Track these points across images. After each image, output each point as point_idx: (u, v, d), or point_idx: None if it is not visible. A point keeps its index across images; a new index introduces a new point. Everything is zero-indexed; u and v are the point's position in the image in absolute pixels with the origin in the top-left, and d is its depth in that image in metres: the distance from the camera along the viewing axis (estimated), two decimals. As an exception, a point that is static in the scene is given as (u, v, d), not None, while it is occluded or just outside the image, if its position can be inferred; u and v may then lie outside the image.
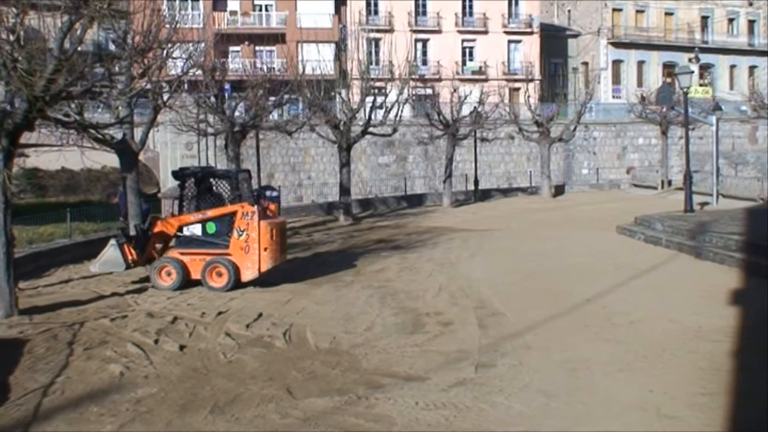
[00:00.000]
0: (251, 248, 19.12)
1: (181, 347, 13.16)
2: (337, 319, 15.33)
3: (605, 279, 18.88)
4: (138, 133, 23.93)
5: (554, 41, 75.87)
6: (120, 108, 21.89)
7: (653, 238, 25.25)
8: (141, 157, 26.81)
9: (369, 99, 39.38)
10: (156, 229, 19.86)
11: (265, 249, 19.23)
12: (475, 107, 49.91)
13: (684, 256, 22.24)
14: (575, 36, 78.53)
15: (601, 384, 10.61)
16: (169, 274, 19.21)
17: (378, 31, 65.43)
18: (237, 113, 33.42)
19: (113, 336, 13.99)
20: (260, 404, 10.05)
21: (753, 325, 13.73)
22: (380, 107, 40.27)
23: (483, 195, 51.57)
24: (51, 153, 51.47)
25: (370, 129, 39.14)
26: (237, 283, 19.04)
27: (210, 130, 33.83)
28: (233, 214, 19.36)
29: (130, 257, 19.53)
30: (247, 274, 19.19)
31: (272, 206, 21.34)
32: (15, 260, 16.23)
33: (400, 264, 22.83)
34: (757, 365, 11.35)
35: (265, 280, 19.51)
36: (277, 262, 19.94)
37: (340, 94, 43.51)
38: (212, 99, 31.43)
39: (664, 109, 53.76)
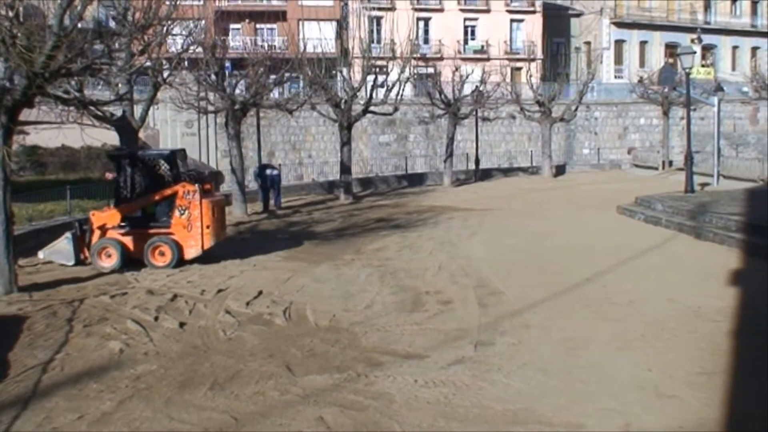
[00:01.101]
0: (194, 226, 19.33)
1: (181, 324, 13.17)
2: (336, 297, 15.34)
3: (605, 258, 18.87)
4: (138, 110, 23.87)
5: (557, 20, 75.54)
6: (120, 85, 21.83)
7: (653, 219, 25.24)
8: (141, 134, 26.83)
9: (370, 78, 39.28)
10: (97, 225, 19.58)
11: (208, 226, 19.44)
12: (476, 86, 49.82)
13: (684, 236, 22.24)
14: (578, 15, 78.18)
15: (600, 363, 10.61)
16: (109, 255, 19.15)
17: (379, 9, 65.19)
18: (237, 91, 33.29)
19: (113, 313, 14.01)
20: (260, 381, 10.06)
21: (752, 305, 13.74)
22: (381, 86, 40.16)
23: (484, 174, 51.52)
24: (51, 130, 51.34)
25: (371, 108, 39.06)
26: (180, 261, 19.17)
27: (210, 107, 33.73)
28: (174, 194, 19.43)
29: (82, 254, 19.46)
30: (191, 252, 19.41)
31: (209, 185, 21.28)
32: (15, 237, 16.23)
33: (400, 243, 22.83)
34: (756, 345, 11.36)
35: (208, 257, 19.65)
36: (219, 238, 20.16)
37: (341, 72, 43.43)
38: (212, 77, 31.29)
39: (666, 90, 53.61)
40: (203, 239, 19.41)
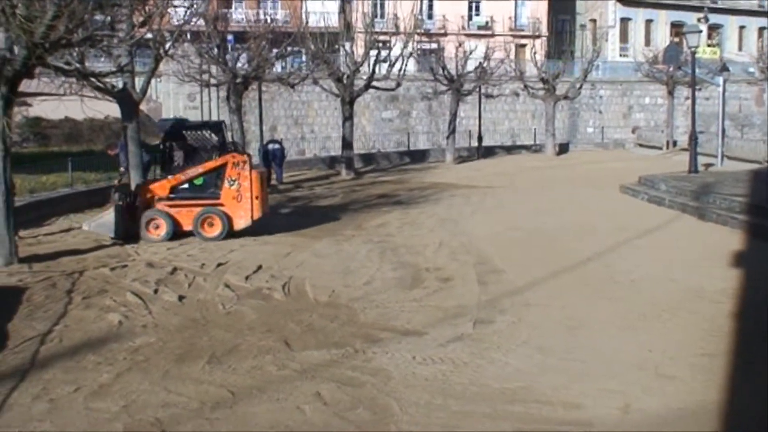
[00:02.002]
0: (243, 197, 19.39)
1: (180, 298, 13.15)
2: (336, 273, 15.31)
3: (607, 238, 18.83)
4: (139, 82, 23.74)
5: (562, -3, 75.21)
6: (121, 57, 21.69)
7: (656, 198, 25.18)
8: (143, 107, 26.71)
9: (373, 52, 39.12)
10: (144, 196, 19.59)
11: (257, 197, 19.50)
12: (480, 63, 49.60)
13: (687, 216, 22.18)
14: (583, -7, 77.82)
15: (600, 342, 10.57)
16: (157, 227, 19.21)
17: (384, -17, 64.87)
18: (239, 64, 33.17)
19: (112, 285, 14.00)
20: (257, 355, 10.03)
21: (755, 286, 13.69)
22: (384, 61, 40.01)
23: (486, 152, 51.40)
24: (54, 102, 51.26)
25: (374, 83, 38.90)
26: (230, 232, 19.19)
27: (212, 81, 33.62)
28: (224, 164, 19.47)
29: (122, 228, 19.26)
30: (240, 223, 19.48)
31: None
32: (15, 209, 16.22)
33: (401, 219, 22.80)
34: (758, 327, 11.31)
35: (258, 230, 19.69)
36: (264, 210, 20.20)
37: (344, 46, 43.20)
38: (215, 49, 31.19)
39: (671, 69, 53.38)
40: (253, 210, 19.52)
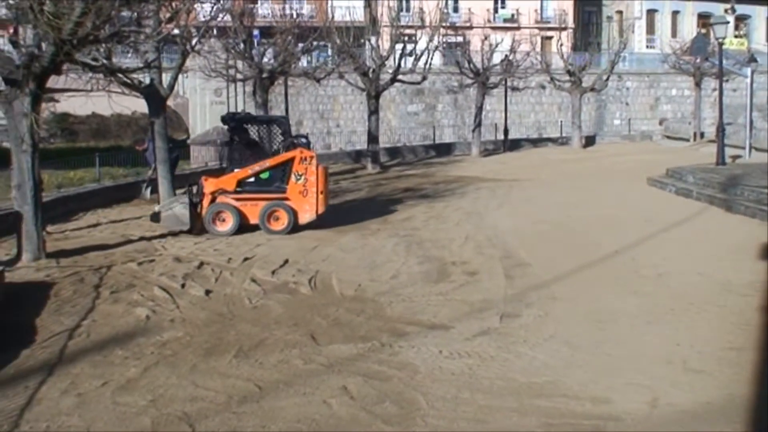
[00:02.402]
0: (309, 192, 19.67)
1: (207, 292, 13.20)
2: (362, 267, 15.32)
3: (634, 231, 18.70)
4: (166, 78, 23.86)
5: (588, -11, 74.79)
6: (148, 53, 21.81)
7: (684, 191, 25.00)
8: (170, 102, 26.84)
9: (399, 46, 39.07)
10: (211, 190, 19.71)
11: (322, 192, 19.82)
12: (506, 56, 49.44)
13: (715, 209, 22.00)
14: (610, -16, 77.35)
15: (628, 336, 10.52)
16: (223, 220, 19.45)
17: (409, -23, 64.75)
18: (265, 59, 33.26)
19: (140, 280, 14.08)
20: (284, 349, 10.05)
21: (783, 279, 13.56)
22: (410, 55, 39.98)
23: (512, 145, 51.24)
24: (81, 98, 51.61)
25: (400, 77, 38.88)
26: (295, 226, 19.47)
27: (238, 76, 33.75)
28: (291, 159, 19.72)
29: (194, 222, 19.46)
30: (305, 217, 19.77)
31: None
32: (43, 204, 16.35)
33: (427, 213, 22.77)
34: (787, 320, 11.21)
35: (317, 224, 19.95)
36: (326, 204, 20.50)
37: (369, 41, 43.21)
38: (241, 45, 31.28)
39: (698, 60, 52.92)
40: (318, 205, 19.79)
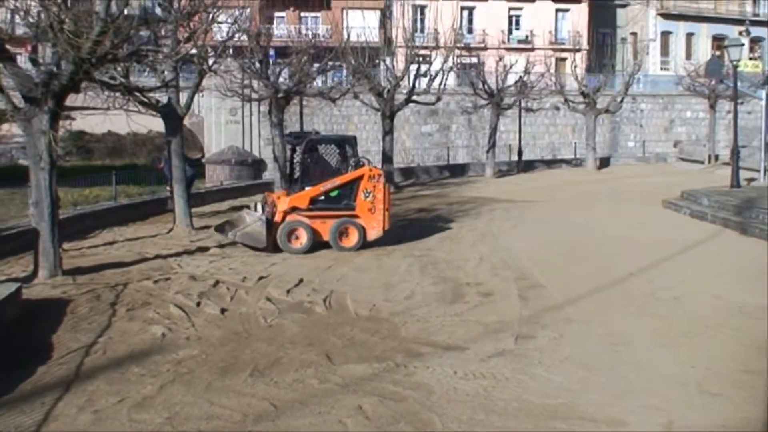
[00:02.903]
0: (377, 209, 20.04)
1: (223, 310, 13.24)
2: (377, 287, 15.34)
3: (649, 253, 18.69)
4: (183, 97, 24.00)
5: (603, 11, 74.72)
6: (165, 72, 21.96)
7: (699, 213, 24.96)
8: (186, 121, 26.93)
9: (413, 67, 39.17)
10: (286, 207, 19.86)
11: (387, 209, 20.22)
12: (520, 77, 49.48)
13: (729, 231, 21.97)
14: (624, 6, 77.29)
15: (643, 358, 10.51)
16: (297, 237, 19.66)
17: (424, -2, 64.98)
18: (281, 79, 33.34)
19: (156, 298, 14.12)
20: (299, 369, 10.08)
21: (799, 303, 13.51)
22: (424, 75, 40.06)
23: (526, 166, 51.18)
24: (97, 116, 51.89)
25: (414, 97, 38.96)
26: (364, 243, 19.88)
27: (254, 95, 33.80)
28: (360, 177, 20.09)
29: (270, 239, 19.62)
30: (373, 234, 20.12)
31: None
32: (60, 221, 16.40)
33: (441, 233, 22.76)
34: (803, 344, 11.17)
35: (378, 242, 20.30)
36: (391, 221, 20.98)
37: (384, 61, 43.34)
38: (257, 64, 31.37)
39: (713, 83, 52.90)
40: (384, 221, 20.18)
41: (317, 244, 19.71)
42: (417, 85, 39.07)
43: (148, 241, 21.27)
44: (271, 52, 36.45)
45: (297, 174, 20.86)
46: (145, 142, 70.60)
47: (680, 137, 62.24)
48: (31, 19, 16.10)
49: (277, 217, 19.68)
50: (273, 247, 19.43)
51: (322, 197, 20.10)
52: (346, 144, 21.28)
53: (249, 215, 20.61)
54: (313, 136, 22.07)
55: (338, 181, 20.15)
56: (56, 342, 11.39)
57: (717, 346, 11.07)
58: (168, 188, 25.96)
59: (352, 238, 19.91)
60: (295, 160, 21.30)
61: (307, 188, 20.13)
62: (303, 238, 19.60)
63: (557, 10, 71.70)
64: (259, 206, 20.60)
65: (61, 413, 8.67)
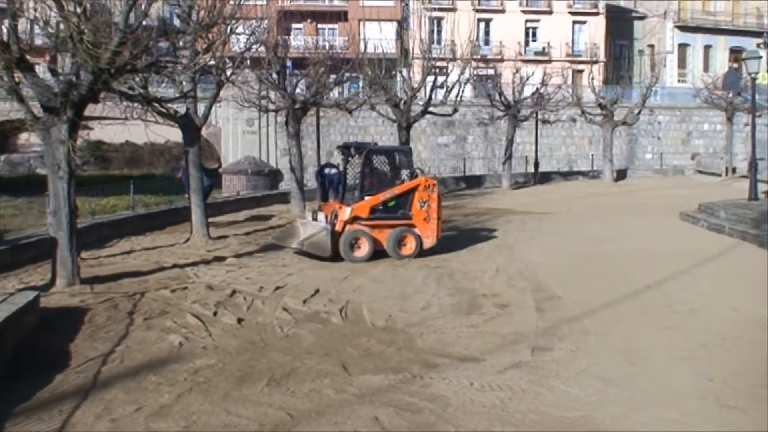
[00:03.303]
0: (431, 218, 20.48)
1: (239, 320, 13.26)
2: (393, 298, 15.33)
3: (667, 266, 18.63)
4: (201, 108, 24.13)
5: (620, 23, 74.78)
6: (184, 83, 22.08)
7: (716, 226, 24.87)
8: (203, 132, 27.05)
9: (430, 78, 39.21)
10: (346, 217, 20.05)
11: (440, 218, 20.69)
12: (537, 88, 49.49)
13: (747, 244, 21.88)
14: (641, 18, 77.31)
15: (660, 371, 10.46)
16: (359, 246, 19.91)
17: (440, 10, 65.18)
18: (298, 90, 33.48)
19: (173, 307, 14.15)
20: (316, 379, 10.08)
21: (818, 316, 13.44)
22: (441, 87, 40.09)
23: (543, 178, 51.16)
24: (115, 126, 52.19)
25: (431, 108, 38.97)
26: (420, 251, 20.30)
27: (271, 106, 33.99)
28: (416, 186, 20.52)
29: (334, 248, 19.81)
30: (428, 242, 20.51)
31: None
32: (78, 230, 16.46)
33: (463, 245, 22.72)
34: (822, 357, 11.10)
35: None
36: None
37: (401, 72, 43.42)
38: (274, 75, 31.52)
39: (731, 95, 52.75)
40: (438, 230, 20.68)
41: (377, 252, 20.01)
42: (433, 96, 39.10)
43: (166, 250, 21.34)
44: (289, 63, 36.66)
45: (353, 183, 21.16)
46: (162, 152, 71.03)
47: (698, 150, 62.09)
48: (50, 30, 16.22)
49: (338, 227, 19.87)
50: (335, 255, 19.63)
51: (381, 207, 20.39)
52: (401, 154, 21.69)
53: (305, 225, 21.00)
54: (372, 146, 22.47)
55: (397, 190, 20.48)
56: (74, 350, 11.43)
57: (734, 359, 11.01)
58: (187, 197, 26.09)
59: (410, 247, 20.27)
60: (347, 171, 21.64)
61: (366, 198, 20.36)
62: (365, 247, 19.88)
63: (574, 22, 71.80)
64: (320, 216, 20.75)
65: (79, 421, 8.70)
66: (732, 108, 53.54)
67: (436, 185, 20.88)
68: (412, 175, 20.91)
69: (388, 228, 20.21)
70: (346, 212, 20.03)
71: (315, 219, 20.92)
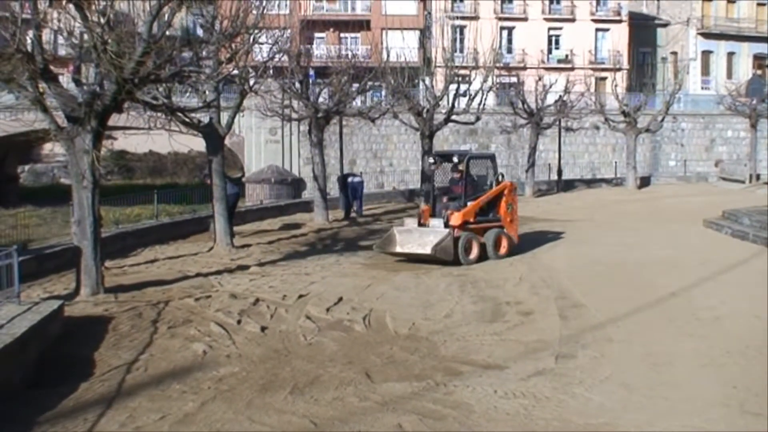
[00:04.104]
0: (515, 219, 21.68)
1: (263, 328, 13.32)
2: (416, 306, 15.33)
3: (690, 273, 18.53)
4: (224, 117, 24.24)
5: (642, 30, 74.41)
6: (207, 92, 22.19)
7: (740, 233, 24.69)
8: (226, 141, 27.16)
9: (453, 87, 39.20)
10: (459, 222, 20.42)
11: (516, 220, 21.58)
12: (560, 96, 49.36)
13: (772, 251, 21.70)
14: (664, 25, 76.92)
15: (684, 379, 10.42)
16: (471, 249, 20.59)
17: (463, 18, 65.04)
18: (321, 99, 33.54)
19: (197, 315, 14.23)
20: (339, 387, 10.11)
21: (844, 323, 13.31)
22: (464, 95, 40.06)
23: (566, 185, 50.95)
24: (139, 136, 52.47)
25: (453, 117, 38.93)
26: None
27: (294, 115, 34.03)
28: (503, 190, 21.46)
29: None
30: (514, 242, 21.57)
31: None
32: (102, 240, 16.59)
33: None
34: None
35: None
36: None
37: (423, 81, 43.40)
38: (297, 85, 31.61)
39: (754, 102, 52.41)
40: (517, 231, 21.81)
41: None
42: (456, 104, 39.06)
43: (189, 259, 21.45)
44: (311, 72, 36.70)
45: (443, 189, 21.96)
46: (186, 162, 71.25)
47: (721, 156, 61.66)
48: (74, 40, 16.37)
49: (455, 231, 20.39)
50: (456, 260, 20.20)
51: (478, 210, 20.97)
52: (491, 160, 22.49)
53: (409, 232, 21.16)
54: (472, 153, 23.52)
55: (491, 195, 21.21)
56: (98, 359, 11.53)
57: (758, 366, 10.93)
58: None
59: (505, 246, 21.18)
60: (435, 178, 22.44)
61: (469, 203, 20.86)
62: (475, 250, 20.59)
63: (597, 30, 71.47)
64: (435, 221, 20.84)
65: (104, 429, 8.78)
66: (756, 115, 53.16)
67: (516, 188, 21.76)
68: (498, 180, 21.60)
69: (484, 231, 20.93)
70: (458, 217, 20.45)
71: (422, 225, 21.21)
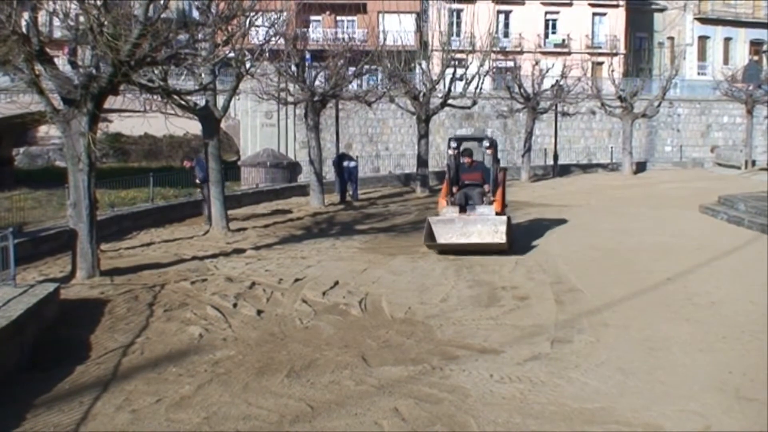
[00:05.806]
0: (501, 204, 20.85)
1: (259, 312, 13.31)
2: (412, 290, 15.33)
3: (686, 258, 18.54)
4: (220, 100, 24.18)
5: (639, 15, 74.38)
6: (203, 75, 22.13)
7: (736, 219, 24.72)
8: (222, 124, 27.10)
9: (449, 71, 39.18)
10: (500, 208, 20.36)
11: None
12: (556, 81, 49.36)
13: (767, 237, 21.72)
14: (661, 10, 76.86)
15: (680, 363, 10.43)
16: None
17: (460, 1, 64.87)
18: (317, 83, 33.49)
19: (193, 299, 14.22)
20: (335, 370, 10.11)
21: (839, 309, 13.35)
22: (460, 79, 40.05)
23: (562, 170, 51.01)
24: (134, 118, 52.34)
25: (450, 101, 38.96)
26: None
27: (290, 99, 34.00)
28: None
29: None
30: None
31: None
32: (97, 222, 16.57)
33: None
34: (843, 350, 11.04)
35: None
36: None
37: (420, 65, 43.38)
38: (293, 68, 31.55)
39: (751, 88, 52.43)
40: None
41: None
42: (453, 88, 39.07)
43: (185, 242, 21.45)
44: (308, 55, 36.66)
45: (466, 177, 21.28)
46: (181, 144, 71.31)
47: (717, 142, 61.76)
48: (70, 22, 16.30)
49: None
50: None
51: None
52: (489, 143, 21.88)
53: (452, 221, 19.92)
54: (491, 137, 22.59)
55: (503, 178, 21.31)
56: (94, 342, 11.52)
57: (754, 351, 10.96)
58: (199, 190, 26.24)
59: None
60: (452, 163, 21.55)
61: (485, 187, 20.81)
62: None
63: (594, 14, 71.49)
64: (483, 208, 20.31)
65: (99, 412, 8.76)
66: (752, 100, 53.18)
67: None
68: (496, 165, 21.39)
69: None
70: (498, 204, 20.31)
71: (466, 212, 20.11)
